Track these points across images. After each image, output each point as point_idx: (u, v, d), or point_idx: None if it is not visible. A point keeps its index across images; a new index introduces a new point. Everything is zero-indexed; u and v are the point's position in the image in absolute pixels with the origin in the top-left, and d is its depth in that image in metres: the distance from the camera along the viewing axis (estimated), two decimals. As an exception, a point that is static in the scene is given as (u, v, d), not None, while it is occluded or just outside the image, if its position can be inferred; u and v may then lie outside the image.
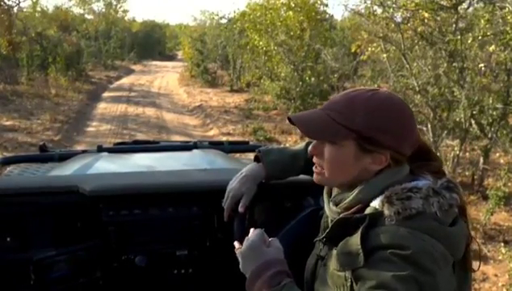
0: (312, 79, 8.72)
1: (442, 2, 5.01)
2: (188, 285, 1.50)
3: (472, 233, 0.99)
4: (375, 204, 0.90)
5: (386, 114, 0.91)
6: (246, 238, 1.01)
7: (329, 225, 1.00)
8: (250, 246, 0.98)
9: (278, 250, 0.98)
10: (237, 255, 1.01)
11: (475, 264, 0.99)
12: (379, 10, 5.72)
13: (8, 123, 8.04)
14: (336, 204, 0.99)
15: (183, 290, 1.51)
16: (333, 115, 0.94)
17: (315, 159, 1.00)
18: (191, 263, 1.48)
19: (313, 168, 1.01)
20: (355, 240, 0.86)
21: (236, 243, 1.05)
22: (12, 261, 1.35)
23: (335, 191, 1.03)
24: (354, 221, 0.89)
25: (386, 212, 0.87)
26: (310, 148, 1.00)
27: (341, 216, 0.94)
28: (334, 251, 0.93)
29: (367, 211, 0.91)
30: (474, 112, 5.14)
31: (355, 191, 0.94)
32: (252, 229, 1.03)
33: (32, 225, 1.39)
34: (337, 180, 0.98)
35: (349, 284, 0.87)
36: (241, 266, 0.99)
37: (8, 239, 1.39)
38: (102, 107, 10.84)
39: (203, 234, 1.47)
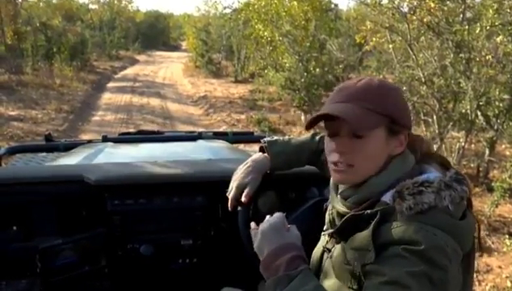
0: (317, 70, 8.66)
1: (449, -8, 4.95)
2: (192, 274, 1.51)
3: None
4: (386, 198, 0.89)
5: (400, 96, 0.97)
6: (267, 217, 1.02)
7: (335, 218, 1.00)
8: (273, 226, 0.99)
9: (296, 236, 1.00)
10: (251, 234, 1.03)
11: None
12: (385, 0, 5.66)
13: (13, 113, 8.07)
14: (345, 199, 0.97)
15: (188, 279, 1.53)
16: (364, 105, 0.90)
17: (343, 157, 0.92)
18: (196, 253, 1.48)
19: (334, 167, 0.94)
20: (366, 236, 0.85)
21: (252, 224, 1.06)
22: (19, 249, 1.36)
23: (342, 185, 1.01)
24: (365, 217, 0.88)
25: (398, 207, 0.85)
26: (339, 147, 0.92)
27: (352, 213, 0.92)
28: (342, 245, 0.92)
29: (378, 206, 0.89)
30: (480, 104, 5.09)
31: (366, 186, 0.93)
32: (268, 216, 1.03)
33: (38, 214, 1.40)
34: (370, 172, 0.92)
35: (357, 278, 0.86)
36: (256, 244, 0.99)
37: (14, 228, 1.40)
38: (106, 98, 10.85)
39: (208, 224, 1.48)
